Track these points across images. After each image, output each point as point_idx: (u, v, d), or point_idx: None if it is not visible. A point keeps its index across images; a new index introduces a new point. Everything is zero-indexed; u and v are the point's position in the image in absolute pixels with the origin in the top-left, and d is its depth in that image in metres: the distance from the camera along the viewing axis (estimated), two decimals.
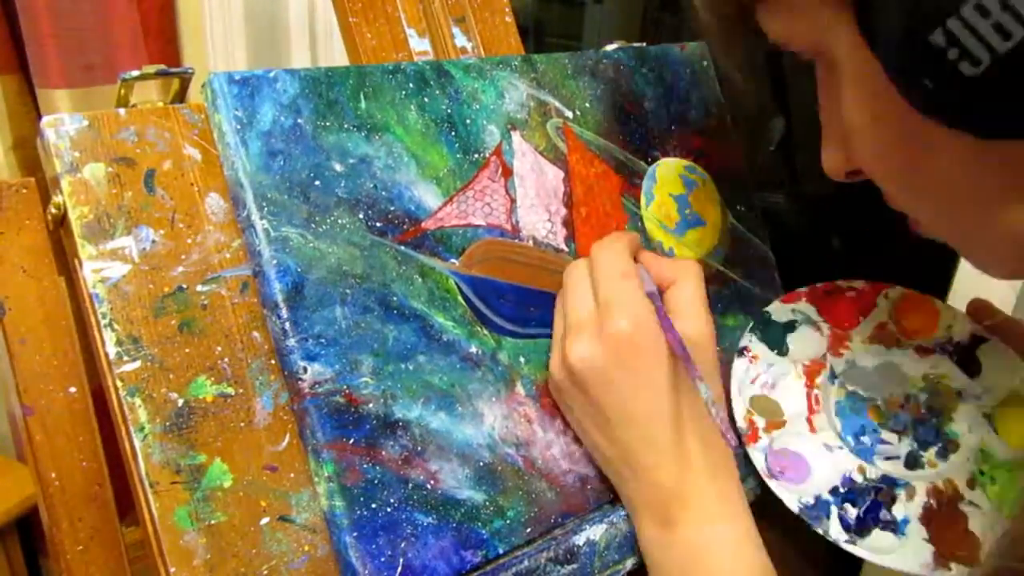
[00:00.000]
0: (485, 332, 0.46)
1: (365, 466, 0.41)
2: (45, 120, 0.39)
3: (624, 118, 0.56)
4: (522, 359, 0.48)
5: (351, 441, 0.41)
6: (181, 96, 0.44)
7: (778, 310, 0.57)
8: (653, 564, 0.46)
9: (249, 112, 0.41)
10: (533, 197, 0.50)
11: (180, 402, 0.39)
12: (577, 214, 0.52)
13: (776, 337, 0.56)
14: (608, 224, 0.53)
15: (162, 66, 0.42)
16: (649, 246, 0.54)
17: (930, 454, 0.52)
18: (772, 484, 0.51)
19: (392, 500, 0.41)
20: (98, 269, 0.39)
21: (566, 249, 0.51)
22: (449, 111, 0.48)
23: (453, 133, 0.48)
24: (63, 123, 0.39)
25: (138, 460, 0.38)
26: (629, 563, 0.49)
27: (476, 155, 0.48)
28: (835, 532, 0.49)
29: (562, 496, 0.47)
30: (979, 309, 0.55)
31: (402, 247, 0.45)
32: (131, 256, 0.39)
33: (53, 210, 0.40)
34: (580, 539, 0.47)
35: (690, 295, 0.47)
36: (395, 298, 0.44)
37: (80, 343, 0.43)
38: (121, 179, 0.40)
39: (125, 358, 0.39)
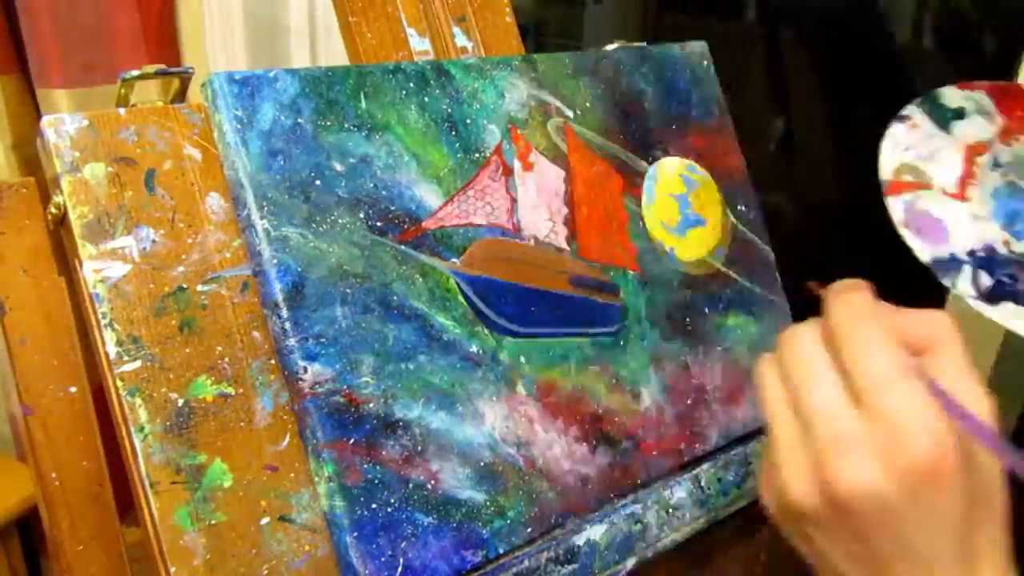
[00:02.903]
0: (486, 332, 0.46)
1: (365, 466, 0.41)
2: (45, 120, 0.39)
3: (625, 118, 0.56)
4: (523, 358, 0.47)
5: (351, 441, 0.41)
6: (181, 96, 0.44)
7: (950, 95, 0.51)
8: None
9: (249, 112, 0.41)
10: (534, 196, 0.50)
11: (180, 402, 0.39)
12: (578, 213, 0.52)
13: (942, 117, 0.51)
14: (609, 224, 0.53)
15: (162, 66, 0.42)
16: (650, 246, 0.54)
17: None
18: (905, 233, 0.47)
19: (392, 500, 0.41)
20: (98, 269, 0.39)
21: (567, 248, 0.51)
22: (450, 111, 0.48)
23: (454, 133, 0.48)
24: (63, 123, 0.39)
25: (138, 460, 0.38)
26: (629, 563, 0.49)
27: (477, 154, 0.48)
28: (963, 286, 0.46)
29: (563, 496, 0.47)
30: None
31: (403, 247, 0.45)
32: (131, 256, 0.39)
33: (53, 210, 0.40)
34: (580, 539, 0.47)
35: (958, 364, 0.35)
36: (395, 298, 0.44)
37: (80, 343, 0.43)
38: (121, 179, 0.40)
39: (125, 358, 0.39)
